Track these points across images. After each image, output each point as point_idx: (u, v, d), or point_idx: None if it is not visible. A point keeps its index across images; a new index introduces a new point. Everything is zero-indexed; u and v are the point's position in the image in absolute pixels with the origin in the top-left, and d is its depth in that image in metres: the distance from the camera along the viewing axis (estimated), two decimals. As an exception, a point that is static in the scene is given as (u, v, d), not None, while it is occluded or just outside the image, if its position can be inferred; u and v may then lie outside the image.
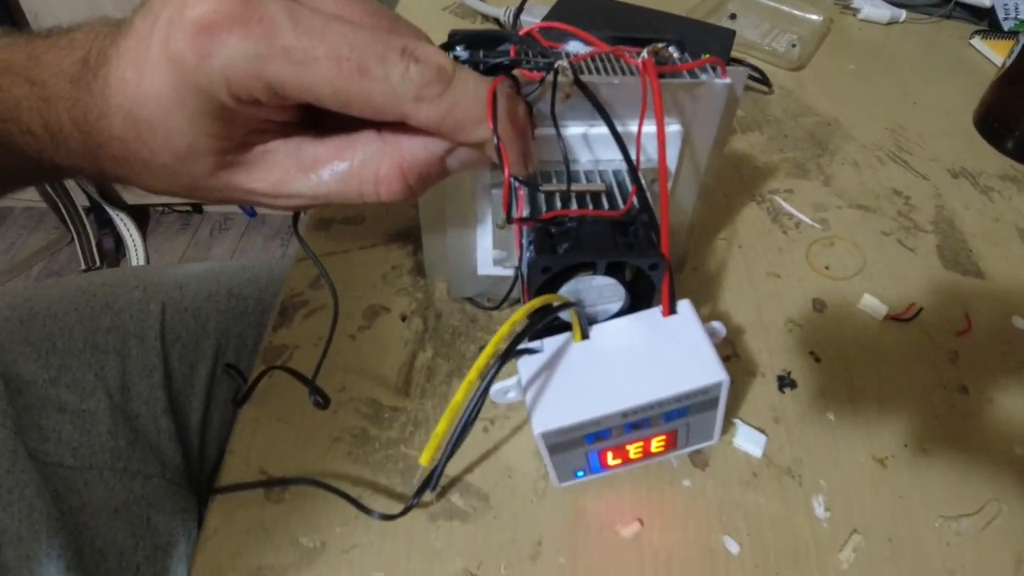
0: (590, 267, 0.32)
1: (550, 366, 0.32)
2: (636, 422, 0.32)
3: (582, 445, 0.32)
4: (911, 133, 0.60)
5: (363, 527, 0.34)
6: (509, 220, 0.29)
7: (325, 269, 0.35)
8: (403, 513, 0.34)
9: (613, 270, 0.32)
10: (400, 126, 0.24)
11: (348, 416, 0.38)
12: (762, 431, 0.39)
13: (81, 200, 1.21)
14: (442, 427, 0.24)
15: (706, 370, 0.31)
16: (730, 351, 0.42)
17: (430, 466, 0.32)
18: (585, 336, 0.33)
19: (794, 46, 0.68)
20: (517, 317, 0.28)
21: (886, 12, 0.72)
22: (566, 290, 0.33)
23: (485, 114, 0.23)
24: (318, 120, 0.26)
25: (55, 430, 0.42)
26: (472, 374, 0.25)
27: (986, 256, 0.49)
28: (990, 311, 0.46)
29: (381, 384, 0.40)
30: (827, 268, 0.47)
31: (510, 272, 0.41)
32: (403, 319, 0.43)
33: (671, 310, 0.33)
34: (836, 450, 0.38)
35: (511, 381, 0.33)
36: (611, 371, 0.32)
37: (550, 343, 0.33)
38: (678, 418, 0.32)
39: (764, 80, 0.63)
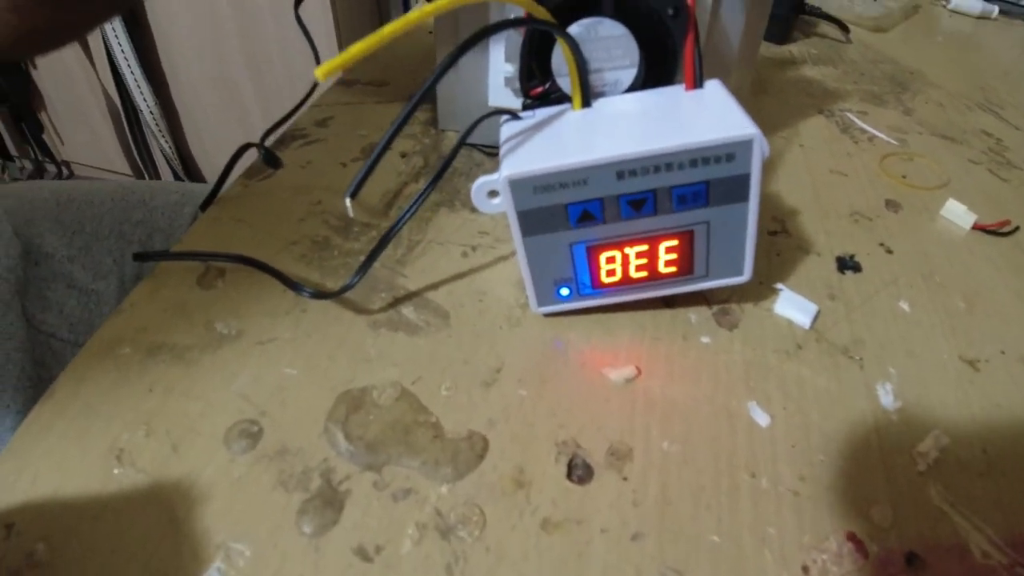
0: (596, 7, 0.24)
1: (538, 128, 0.24)
2: (636, 196, 0.23)
3: (565, 225, 0.23)
4: (1002, 93, 0.49)
5: (291, 323, 0.26)
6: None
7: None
8: (338, 293, 0.26)
9: (624, 15, 0.24)
10: None
11: (314, 225, 0.31)
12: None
13: (167, 175, 1.25)
14: (359, 47, 0.17)
15: (732, 125, 0.22)
16: (778, 227, 0.32)
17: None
18: (587, 104, 0.25)
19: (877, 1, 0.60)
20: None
21: (977, 5, 0.63)
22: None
23: None
24: None
25: (58, 303, 0.40)
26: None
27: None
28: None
29: (361, 205, 0.33)
30: (904, 177, 0.37)
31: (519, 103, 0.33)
32: (403, 156, 0.36)
33: (696, 83, 0.24)
34: (910, 340, 0.27)
35: (495, 176, 0.25)
36: (610, 127, 0.23)
37: (543, 112, 0.25)
38: (694, 206, 0.23)
39: (841, 26, 0.54)
